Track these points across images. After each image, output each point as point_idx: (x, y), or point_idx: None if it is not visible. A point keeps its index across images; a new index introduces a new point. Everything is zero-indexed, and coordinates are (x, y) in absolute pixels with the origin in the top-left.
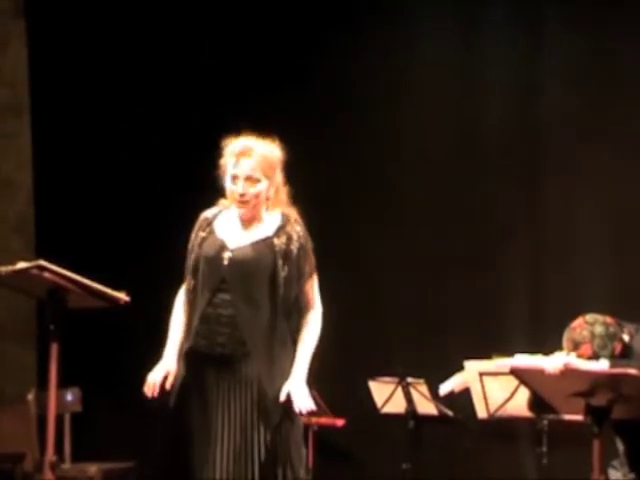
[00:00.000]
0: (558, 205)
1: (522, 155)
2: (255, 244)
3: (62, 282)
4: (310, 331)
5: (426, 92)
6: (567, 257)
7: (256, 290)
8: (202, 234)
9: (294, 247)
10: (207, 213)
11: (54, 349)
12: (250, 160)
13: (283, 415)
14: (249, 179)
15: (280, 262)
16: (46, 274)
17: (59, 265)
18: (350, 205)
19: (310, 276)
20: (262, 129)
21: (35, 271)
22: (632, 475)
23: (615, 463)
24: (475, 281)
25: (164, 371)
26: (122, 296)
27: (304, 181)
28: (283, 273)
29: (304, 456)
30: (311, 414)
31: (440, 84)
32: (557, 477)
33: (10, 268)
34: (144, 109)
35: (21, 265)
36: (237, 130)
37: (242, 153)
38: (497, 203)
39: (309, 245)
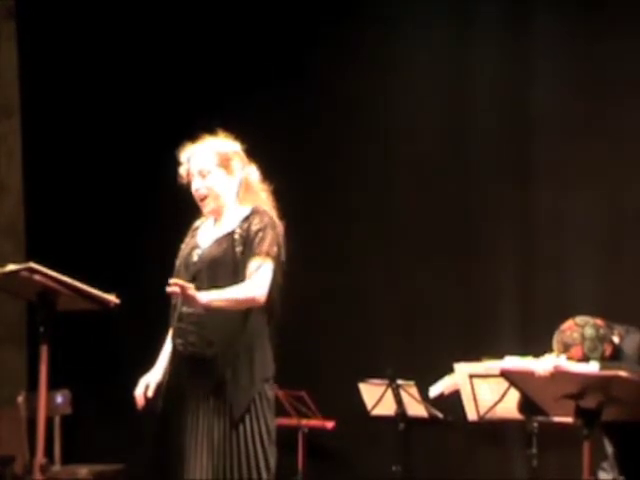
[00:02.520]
0: (549, 206)
1: (513, 155)
2: (219, 239)
3: (52, 284)
4: (233, 287)
5: (415, 88)
6: (557, 259)
7: (222, 286)
8: (186, 240)
9: (252, 231)
10: (197, 222)
11: (44, 351)
12: (197, 158)
13: (249, 411)
14: (200, 174)
15: (239, 250)
16: (36, 276)
17: (49, 267)
18: (339, 204)
19: (255, 255)
20: (251, 127)
21: (25, 273)
22: (622, 477)
23: (605, 465)
24: (465, 283)
25: (145, 383)
26: (112, 298)
27: (292, 179)
28: (242, 260)
29: (270, 454)
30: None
31: (430, 81)
32: (547, 479)
33: (0, 270)
34: (134, 110)
35: (11, 267)
36: (224, 129)
37: (190, 156)
38: (487, 204)
39: (268, 232)
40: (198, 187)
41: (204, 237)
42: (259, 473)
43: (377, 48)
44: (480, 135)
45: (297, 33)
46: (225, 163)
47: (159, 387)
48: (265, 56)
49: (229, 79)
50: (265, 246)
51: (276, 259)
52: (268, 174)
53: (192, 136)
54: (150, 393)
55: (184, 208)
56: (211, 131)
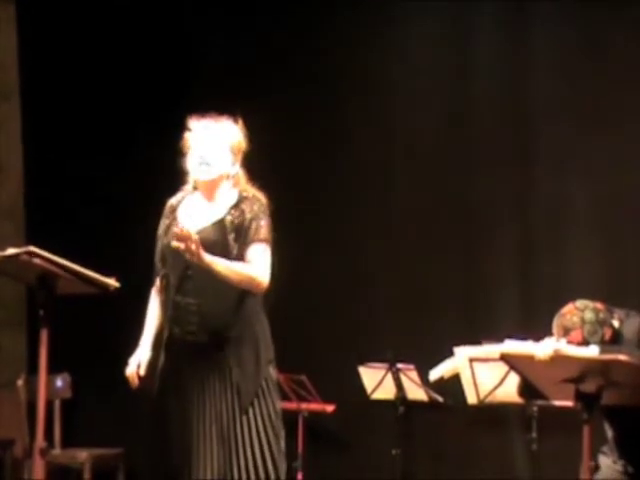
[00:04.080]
0: (548, 191)
1: (512, 141)
2: (211, 226)
3: (52, 268)
4: (239, 263)
5: (417, 76)
6: (557, 243)
7: None
8: (167, 221)
9: (246, 220)
10: (172, 200)
11: (44, 335)
12: (215, 133)
13: (257, 396)
14: (213, 147)
15: (232, 237)
16: (36, 260)
17: (49, 250)
18: (338, 189)
19: (254, 242)
20: (248, 115)
21: (25, 257)
22: (622, 461)
23: (605, 449)
24: (465, 267)
25: (136, 362)
26: (112, 282)
27: (293, 164)
28: (235, 248)
29: (282, 437)
30: (182, 240)
31: (430, 72)
32: (547, 463)
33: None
34: (133, 93)
35: (11, 251)
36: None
37: (207, 128)
38: (487, 189)
39: (262, 219)
40: (206, 153)
41: (192, 218)
42: (272, 454)
43: (373, 36)
44: (479, 123)
45: (296, 27)
46: (235, 151)
47: (150, 366)
48: (262, 51)
49: (229, 66)
50: (263, 233)
51: (272, 245)
52: (269, 160)
53: (188, 117)
54: (142, 372)
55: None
56: (205, 112)
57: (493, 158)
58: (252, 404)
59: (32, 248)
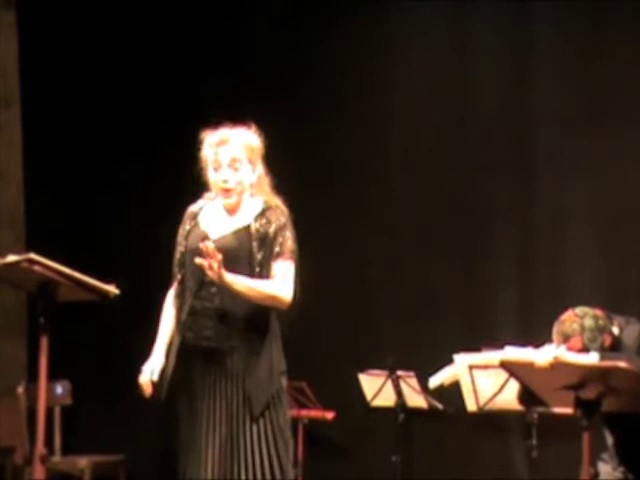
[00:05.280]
0: (549, 196)
1: (512, 145)
2: (235, 232)
3: (52, 275)
4: (262, 281)
5: (417, 77)
6: (557, 249)
7: None
8: (187, 227)
9: (271, 230)
10: (193, 207)
11: (44, 342)
12: (230, 147)
13: (268, 406)
14: (231, 166)
15: (255, 244)
16: (36, 267)
17: (49, 257)
18: (338, 193)
19: (280, 257)
20: (248, 117)
21: (25, 264)
22: (621, 468)
23: (605, 456)
24: (465, 273)
25: (150, 370)
26: (112, 289)
27: (292, 169)
28: (259, 256)
29: (291, 446)
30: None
31: (430, 72)
32: (547, 470)
33: (0, 261)
34: (134, 99)
35: (11, 258)
36: (218, 122)
37: (222, 142)
38: (487, 194)
39: (287, 230)
40: (228, 178)
41: (213, 227)
42: (280, 464)
43: (376, 37)
44: (480, 126)
45: (297, 26)
46: (253, 159)
47: (162, 375)
48: (263, 49)
49: (231, 68)
50: (288, 247)
51: (297, 259)
52: (269, 164)
53: (194, 125)
54: (155, 378)
55: (184, 197)
56: (216, 123)
57: (494, 163)
58: (263, 414)
59: (32, 255)
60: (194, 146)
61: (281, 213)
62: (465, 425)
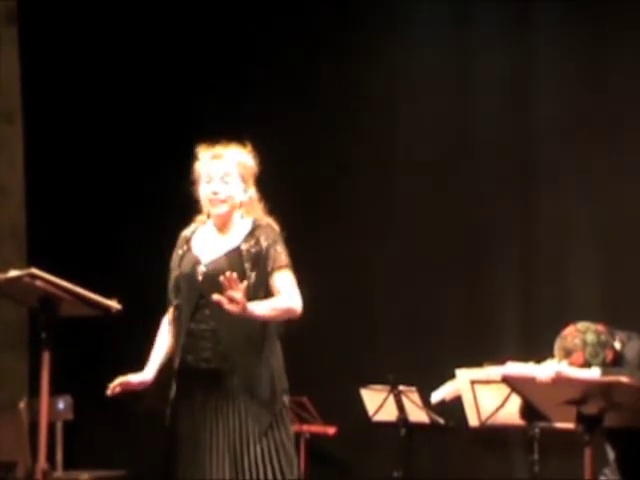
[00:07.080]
0: (551, 213)
1: (515, 162)
2: (226, 255)
3: (54, 290)
4: (274, 298)
5: (420, 93)
6: (559, 265)
7: None
8: (180, 252)
9: (262, 249)
10: (186, 231)
11: (46, 357)
12: (223, 162)
13: (271, 426)
14: (223, 179)
15: (248, 265)
16: (38, 282)
17: (51, 273)
18: (338, 208)
19: (277, 270)
20: (249, 129)
21: (27, 279)
22: None
23: (606, 471)
24: (467, 288)
25: (137, 378)
26: (114, 304)
27: (292, 182)
28: (252, 276)
29: (295, 464)
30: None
31: (434, 86)
32: None
33: (1, 276)
34: (135, 115)
35: (13, 273)
36: (218, 136)
37: (215, 156)
38: (489, 210)
39: (278, 245)
40: (218, 190)
41: (205, 251)
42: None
43: (379, 50)
44: (482, 141)
45: (299, 34)
46: (246, 176)
47: (146, 388)
48: (264, 56)
49: (232, 81)
50: (283, 259)
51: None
52: (268, 177)
53: (193, 143)
54: (132, 381)
55: (185, 214)
56: (213, 140)
57: (496, 180)
58: (266, 434)
59: (34, 270)
60: (192, 163)
61: (271, 230)
62: (467, 440)
